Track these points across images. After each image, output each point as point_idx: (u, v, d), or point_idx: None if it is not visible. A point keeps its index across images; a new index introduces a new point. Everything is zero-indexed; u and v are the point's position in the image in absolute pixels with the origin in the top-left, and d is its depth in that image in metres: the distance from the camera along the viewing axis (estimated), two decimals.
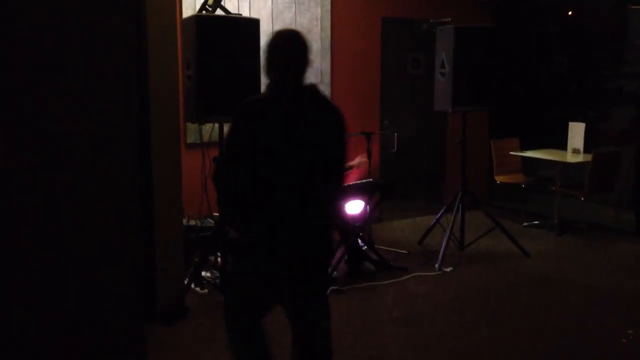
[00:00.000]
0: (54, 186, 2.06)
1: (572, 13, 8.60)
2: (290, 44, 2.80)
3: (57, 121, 2.05)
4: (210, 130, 5.01)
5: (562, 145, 7.23)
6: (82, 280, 2.13)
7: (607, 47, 8.37)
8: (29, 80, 2.00)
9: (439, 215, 6.30)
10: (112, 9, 2.16)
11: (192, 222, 5.49)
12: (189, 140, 6.10)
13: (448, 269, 5.68)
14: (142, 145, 4.24)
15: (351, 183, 5.73)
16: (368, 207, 5.71)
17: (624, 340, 4.25)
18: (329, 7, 6.96)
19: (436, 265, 5.68)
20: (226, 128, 5.52)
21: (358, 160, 6.03)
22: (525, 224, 7.28)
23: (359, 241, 5.63)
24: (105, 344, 2.17)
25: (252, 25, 4.78)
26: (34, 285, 2.06)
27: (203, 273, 5.21)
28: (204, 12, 4.82)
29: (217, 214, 4.92)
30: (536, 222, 7.33)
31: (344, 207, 5.49)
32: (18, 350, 2.05)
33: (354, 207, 5.56)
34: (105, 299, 2.18)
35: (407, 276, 5.48)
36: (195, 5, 5.96)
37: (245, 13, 6.23)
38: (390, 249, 6.22)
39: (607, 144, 7.72)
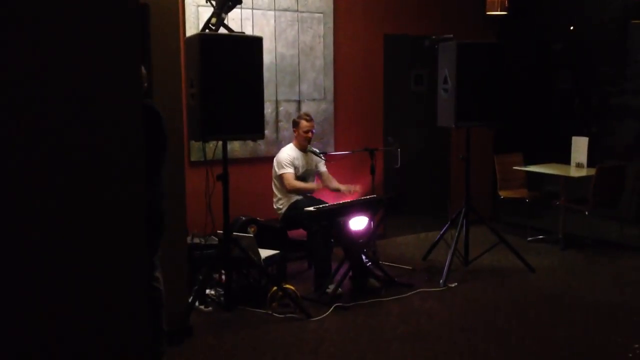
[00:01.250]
0: (62, 205, 2.07)
1: (574, 29, 8.64)
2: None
3: (63, 138, 2.06)
4: (214, 148, 5.02)
5: (566, 160, 7.24)
6: (89, 299, 2.14)
7: (610, 63, 8.39)
8: (39, 103, 2.02)
9: (443, 230, 6.30)
10: (117, 27, 2.18)
11: (196, 240, 5.50)
12: (193, 158, 6.13)
13: (453, 285, 5.67)
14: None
15: (355, 199, 5.73)
16: (372, 223, 5.71)
17: (630, 355, 4.23)
18: (331, 24, 7.00)
19: (441, 281, 5.67)
20: (230, 146, 5.57)
21: (346, 187, 6.03)
22: (529, 238, 7.27)
23: (364, 257, 5.63)
24: None
25: (255, 43, 4.80)
26: (38, 307, 2.06)
27: (207, 291, 5.22)
28: (207, 30, 4.85)
29: (222, 232, 4.92)
30: (541, 237, 7.32)
31: (348, 223, 5.50)
32: None
33: (358, 223, 5.55)
34: (112, 318, 2.18)
35: (412, 292, 5.47)
36: (198, 24, 6.01)
37: (249, 31, 6.27)
38: (394, 265, 6.22)
39: (612, 159, 7.72)
